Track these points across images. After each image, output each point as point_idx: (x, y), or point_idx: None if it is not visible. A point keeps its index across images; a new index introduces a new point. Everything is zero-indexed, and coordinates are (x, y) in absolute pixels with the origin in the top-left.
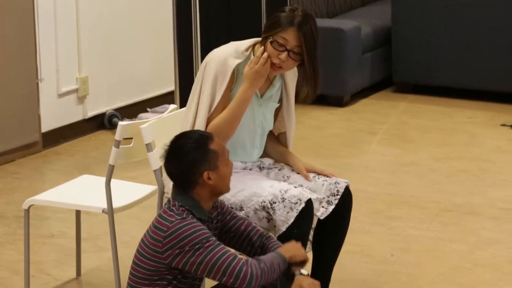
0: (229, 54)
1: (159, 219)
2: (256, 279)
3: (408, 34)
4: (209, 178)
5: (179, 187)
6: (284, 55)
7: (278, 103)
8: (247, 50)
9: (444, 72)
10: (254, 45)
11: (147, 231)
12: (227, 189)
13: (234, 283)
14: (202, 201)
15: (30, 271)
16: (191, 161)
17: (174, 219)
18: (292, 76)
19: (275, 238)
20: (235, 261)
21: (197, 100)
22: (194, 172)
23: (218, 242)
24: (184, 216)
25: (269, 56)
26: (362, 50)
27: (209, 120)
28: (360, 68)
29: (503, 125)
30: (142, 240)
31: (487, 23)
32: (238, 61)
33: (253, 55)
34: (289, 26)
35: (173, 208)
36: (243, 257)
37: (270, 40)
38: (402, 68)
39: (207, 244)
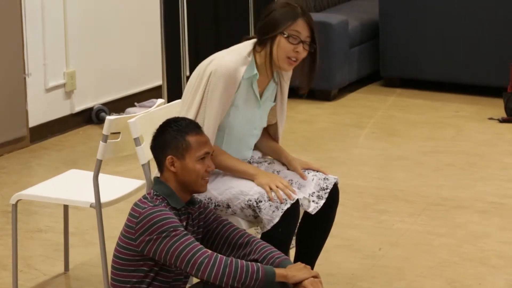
0: (236, 65)
1: (134, 207)
2: (216, 273)
3: (395, 29)
4: (172, 164)
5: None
6: (300, 47)
7: (274, 101)
8: (249, 55)
9: (431, 66)
10: (254, 49)
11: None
12: (196, 186)
13: (196, 274)
14: (176, 190)
15: (18, 266)
16: (162, 140)
17: (146, 206)
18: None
19: (259, 237)
20: (199, 253)
21: (197, 109)
22: (160, 152)
23: (185, 232)
24: (157, 203)
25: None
26: (349, 44)
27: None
28: (348, 62)
29: (491, 118)
30: (120, 232)
31: (474, 17)
32: (243, 69)
33: (255, 59)
34: (297, 18)
35: (148, 196)
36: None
37: (285, 36)
38: (390, 62)
39: (174, 233)
